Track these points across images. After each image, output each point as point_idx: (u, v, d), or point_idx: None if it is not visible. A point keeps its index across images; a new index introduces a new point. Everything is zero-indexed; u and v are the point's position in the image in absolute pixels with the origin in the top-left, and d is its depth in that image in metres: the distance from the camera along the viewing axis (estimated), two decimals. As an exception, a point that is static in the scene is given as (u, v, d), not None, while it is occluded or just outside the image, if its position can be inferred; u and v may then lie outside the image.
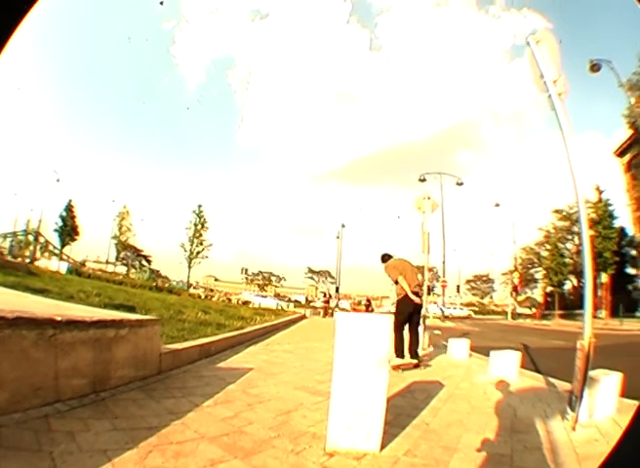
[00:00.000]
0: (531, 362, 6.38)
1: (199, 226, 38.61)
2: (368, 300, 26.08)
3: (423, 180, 23.31)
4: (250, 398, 3.36)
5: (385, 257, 5.38)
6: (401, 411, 3.25)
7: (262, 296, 34.24)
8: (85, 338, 2.82)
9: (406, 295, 4.89)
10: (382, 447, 2.44)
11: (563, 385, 4.22)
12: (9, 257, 28.09)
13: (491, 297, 54.84)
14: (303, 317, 18.94)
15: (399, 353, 5.04)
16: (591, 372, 2.96)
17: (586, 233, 3.34)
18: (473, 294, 55.48)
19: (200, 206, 39.84)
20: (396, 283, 5.02)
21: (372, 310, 24.53)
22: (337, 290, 28.42)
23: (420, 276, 5.31)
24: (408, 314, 5.03)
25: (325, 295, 24.97)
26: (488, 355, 6.84)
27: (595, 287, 27.96)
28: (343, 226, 31.48)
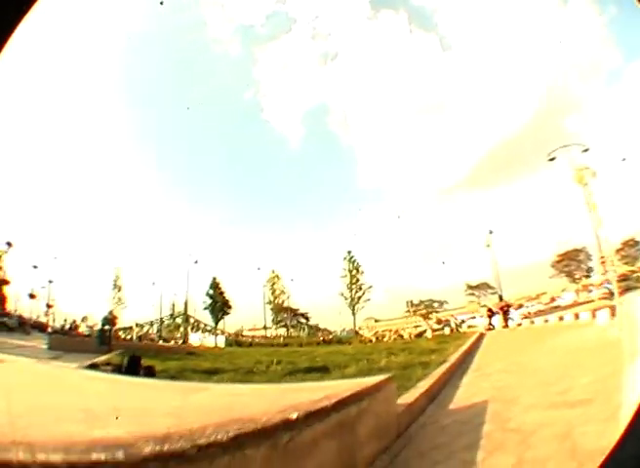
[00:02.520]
0: None
1: (354, 272, 40.50)
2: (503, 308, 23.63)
3: (553, 159, 22.06)
4: (515, 434, 3.17)
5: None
6: None
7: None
8: (327, 428, 2.33)
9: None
10: None
11: None
12: (160, 341, 32.26)
13: (643, 261, 46.14)
14: (482, 334, 18.53)
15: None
16: None
17: None
18: (625, 263, 46.96)
19: (350, 252, 42.11)
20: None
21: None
22: (500, 298, 27.09)
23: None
24: None
25: (503, 306, 23.74)
26: None
27: None
28: (491, 232, 30.24)
